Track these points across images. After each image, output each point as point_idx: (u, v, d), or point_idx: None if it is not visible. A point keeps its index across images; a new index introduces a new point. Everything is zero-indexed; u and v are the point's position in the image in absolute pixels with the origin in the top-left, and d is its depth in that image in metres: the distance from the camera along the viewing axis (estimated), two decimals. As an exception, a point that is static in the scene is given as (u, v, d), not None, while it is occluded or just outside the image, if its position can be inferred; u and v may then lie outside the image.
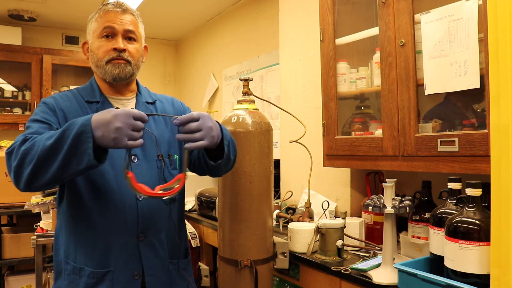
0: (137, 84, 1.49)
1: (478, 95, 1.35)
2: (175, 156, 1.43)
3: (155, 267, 1.36)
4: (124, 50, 1.37)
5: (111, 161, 1.31)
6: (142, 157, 1.37)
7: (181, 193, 1.49)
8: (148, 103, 1.47)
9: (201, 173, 1.47)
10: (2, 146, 3.37)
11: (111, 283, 1.29)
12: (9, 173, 1.20)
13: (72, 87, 4.16)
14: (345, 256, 1.66)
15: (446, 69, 1.38)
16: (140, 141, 1.11)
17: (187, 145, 1.20)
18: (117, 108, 1.31)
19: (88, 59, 1.43)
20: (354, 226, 1.79)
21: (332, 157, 1.85)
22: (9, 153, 1.17)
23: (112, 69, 1.37)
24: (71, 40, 4.63)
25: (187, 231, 2.54)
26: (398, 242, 1.63)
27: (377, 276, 1.38)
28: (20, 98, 4.29)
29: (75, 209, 1.33)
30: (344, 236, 1.71)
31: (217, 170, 1.40)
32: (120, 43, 1.36)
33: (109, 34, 1.37)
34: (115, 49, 1.36)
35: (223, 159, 1.34)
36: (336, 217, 1.77)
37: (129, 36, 1.39)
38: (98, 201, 1.30)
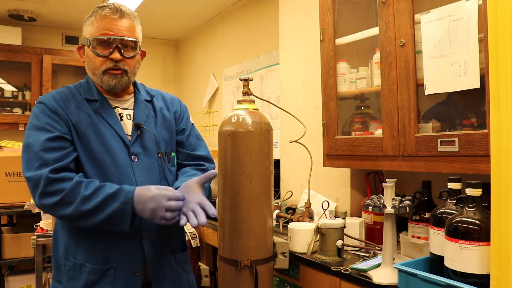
0: (134, 83, 1.49)
1: (478, 95, 1.34)
2: (172, 154, 1.49)
3: (158, 263, 1.38)
4: (120, 60, 1.34)
5: (115, 161, 1.32)
6: (143, 155, 1.38)
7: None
8: (146, 101, 1.48)
9: None
10: (2, 146, 3.37)
11: (113, 280, 1.30)
12: (33, 197, 1.24)
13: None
14: (345, 256, 1.66)
15: (446, 69, 1.38)
16: (174, 220, 1.22)
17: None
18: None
19: (84, 62, 1.40)
20: (354, 226, 1.79)
21: (332, 157, 1.85)
22: (36, 183, 1.21)
23: (109, 80, 1.35)
24: (71, 40, 4.63)
25: (187, 231, 2.55)
26: (398, 242, 1.63)
27: (377, 276, 1.38)
28: (20, 98, 4.29)
29: None
30: (344, 236, 1.71)
31: None
32: (117, 53, 1.33)
33: (106, 42, 1.33)
34: (111, 59, 1.33)
35: None
36: (336, 217, 1.77)
37: (126, 44, 1.35)
38: None
